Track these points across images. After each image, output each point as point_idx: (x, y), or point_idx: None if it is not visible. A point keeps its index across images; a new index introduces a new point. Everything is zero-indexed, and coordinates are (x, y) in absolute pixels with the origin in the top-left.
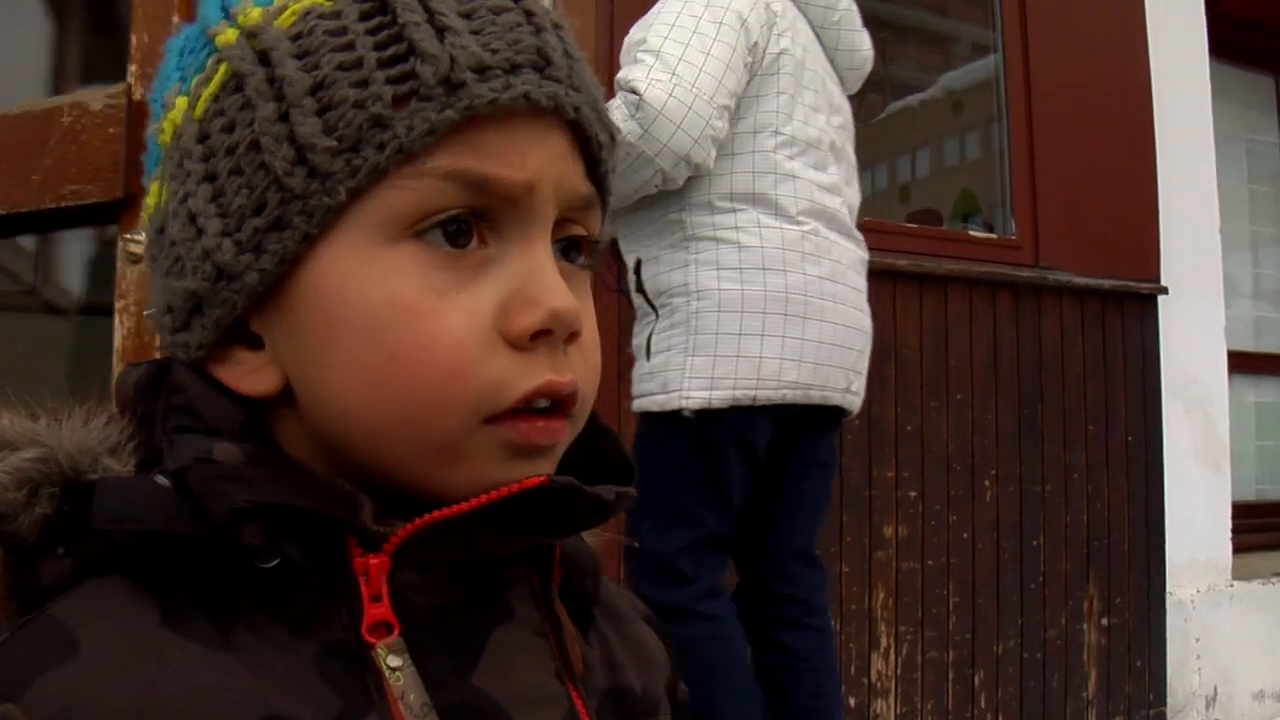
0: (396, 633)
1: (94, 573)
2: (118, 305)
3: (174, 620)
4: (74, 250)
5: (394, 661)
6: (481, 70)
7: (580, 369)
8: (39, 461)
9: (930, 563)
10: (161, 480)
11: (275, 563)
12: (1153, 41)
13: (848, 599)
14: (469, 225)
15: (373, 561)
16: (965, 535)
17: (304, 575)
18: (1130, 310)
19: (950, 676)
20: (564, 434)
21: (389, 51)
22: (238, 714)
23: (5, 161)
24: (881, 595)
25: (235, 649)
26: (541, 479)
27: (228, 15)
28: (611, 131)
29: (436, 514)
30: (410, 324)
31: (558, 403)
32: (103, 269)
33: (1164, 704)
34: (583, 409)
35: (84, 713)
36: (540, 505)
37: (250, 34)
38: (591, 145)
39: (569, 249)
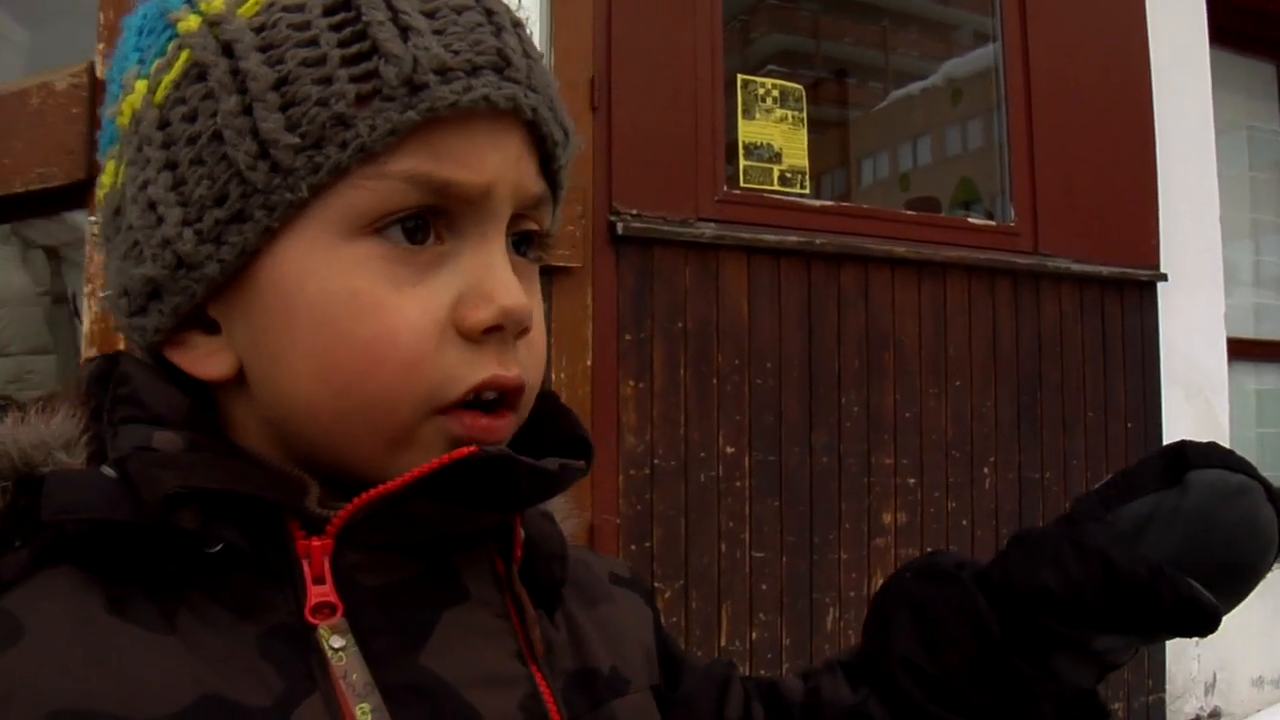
0: (340, 613)
1: (49, 563)
2: (85, 290)
3: (119, 606)
4: None
5: (337, 642)
6: (443, 72)
7: (527, 362)
8: None
9: (929, 550)
10: (108, 471)
11: (220, 548)
12: (1152, 28)
13: (846, 586)
14: (426, 222)
15: (314, 543)
16: (964, 522)
17: (247, 559)
18: (1130, 297)
19: None
20: (506, 430)
21: (352, 49)
22: (175, 695)
23: None
24: (881, 582)
25: (178, 632)
26: (472, 449)
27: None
28: (566, 128)
29: (373, 491)
30: (368, 316)
31: (504, 395)
32: None
33: (1163, 690)
34: (527, 401)
35: (24, 696)
36: (484, 480)
37: (212, 22)
38: (547, 143)
39: (520, 242)
